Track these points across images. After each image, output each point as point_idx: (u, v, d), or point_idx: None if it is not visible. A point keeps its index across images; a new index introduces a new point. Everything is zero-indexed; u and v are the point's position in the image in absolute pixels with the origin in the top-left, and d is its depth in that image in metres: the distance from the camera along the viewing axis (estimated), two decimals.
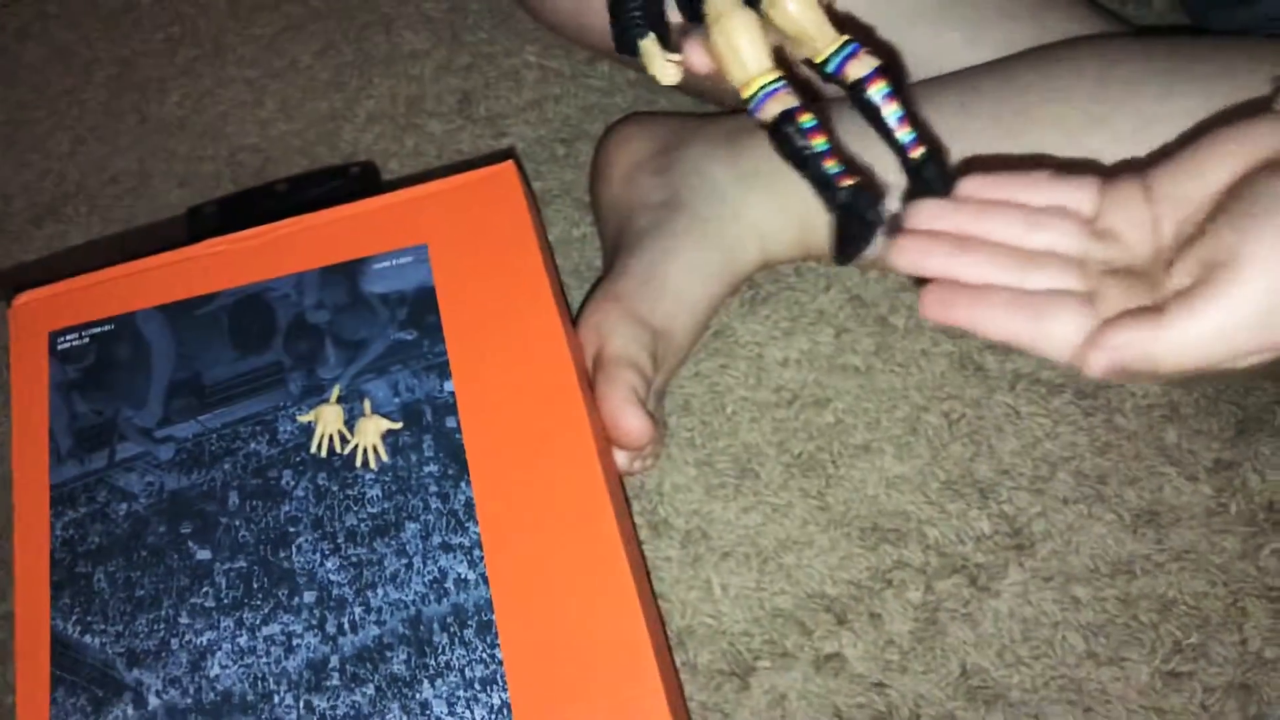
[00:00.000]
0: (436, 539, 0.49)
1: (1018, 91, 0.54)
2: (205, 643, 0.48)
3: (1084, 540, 0.54)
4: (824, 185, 0.45)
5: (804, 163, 0.45)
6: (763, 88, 0.46)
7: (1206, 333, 0.39)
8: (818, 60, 0.47)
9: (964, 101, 0.55)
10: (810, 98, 0.47)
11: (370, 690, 0.46)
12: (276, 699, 0.47)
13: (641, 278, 0.58)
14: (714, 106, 0.67)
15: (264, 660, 0.47)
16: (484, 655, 0.46)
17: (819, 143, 0.45)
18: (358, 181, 0.66)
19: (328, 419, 0.52)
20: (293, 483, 0.51)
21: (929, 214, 0.45)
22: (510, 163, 0.58)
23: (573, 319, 0.58)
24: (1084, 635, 0.52)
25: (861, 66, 0.46)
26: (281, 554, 0.50)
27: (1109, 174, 0.45)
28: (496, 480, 0.50)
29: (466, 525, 0.49)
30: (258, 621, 0.48)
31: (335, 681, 0.47)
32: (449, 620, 0.47)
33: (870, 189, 0.45)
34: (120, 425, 0.53)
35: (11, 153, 0.76)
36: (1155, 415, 0.57)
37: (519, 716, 0.45)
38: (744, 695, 0.53)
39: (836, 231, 0.46)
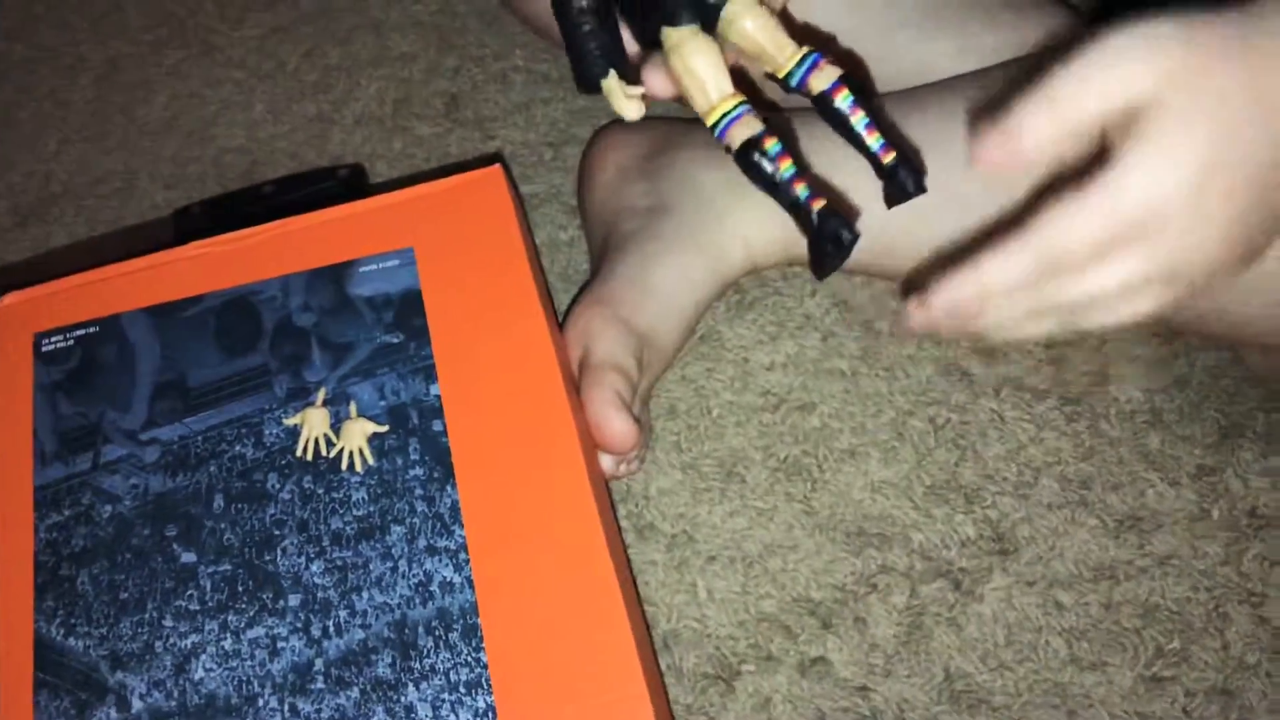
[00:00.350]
0: (422, 542, 0.49)
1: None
2: (190, 645, 0.48)
3: (1067, 545, 0.55)
4: (795, 209, 0.46)
5: (774, 188, 0.46)
6: (725, 115, 0.46)
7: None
8: (780, 75, 0.47)
9: (948, 114, 0.55)
10: (772, 109, 0.47)
11: (355, 694, 0.46)
12: (261, 702, 0.47)
13: (628, 282, 0.58)
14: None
15: (249, 663, 0.47)
16: (469, 659, 0.46)
17: (786, 167, 0.45)
18: (345, 184, 0.66)
19: (313, 422, 0.52)
20: (278, 486, 0.51)
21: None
22: (497, 166, 0.58)
23: (560, 322, 0.59)
24: (1067, 640, 0.53)
25: (824, 78, 0.46)
26: (266, 557, 0.50)
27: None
28: (482, 484, 0.50)
29: (452, 529, 0.49)
30: (242, 624, 0.48)
31: (320, 685, 0.47)
32: (434, 623, 0.47)
33: (841, 210, 0.46)
34: (105, 427, 0.53)
35: None
36: (1139, 421, 0.57)
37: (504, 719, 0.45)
38: (729, 699, 0.53)
39: (811, 251, 0.47)
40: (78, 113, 0.77)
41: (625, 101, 0.50)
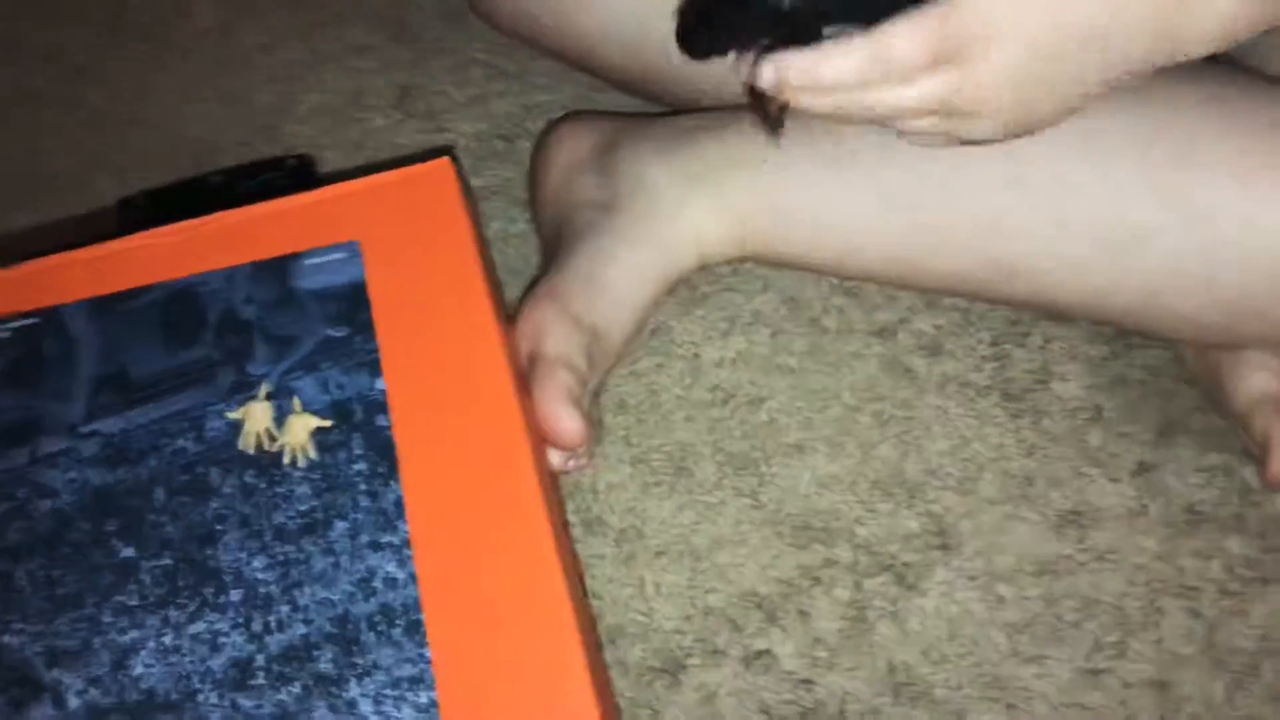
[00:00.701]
0: (365, 538, 0.49)
1: None
2: (129, 641, 0.48)
3: (1009, 540, 0.55)
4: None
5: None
6: None
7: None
8: None
9: (885, 142, 0.56)
10: None
11: (297, 689, 0.46)
12: (201, 698, 0.46)
13: (579, 277, 0.58)
14: (655, 107, 0.67)
15: (189, 659, 0.47)
16: (412, 654, 0.46)
17: None
18: (293, 175, 0.65)
19: (256, 416, 0.52)
20: (220, 480, 0.51)
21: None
22: (447, 159, 0.57)
23: (510, 316, 0.58)
24: (1008, 633, 0.53)
25: None
26: (208, 552, 0.49)
27: None
28: (427, 479, 0.50)
29: (396, 524, 0.49)
30: (183, 620, 0.48)
31: (261, 680, 0.47)
32: (377, 619, 0.47)
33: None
34: (43, 421, 0.52)
35: None
36: (1080, 418, 0.58)
37: (446, 715, 0.45)
38: (674, 692, 0.53)
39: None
40: (28, 100, 0.75)
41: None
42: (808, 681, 0.53)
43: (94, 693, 0.47)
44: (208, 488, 0.50)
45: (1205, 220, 0.49)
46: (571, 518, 0.58)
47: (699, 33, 0.48)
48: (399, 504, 0.49)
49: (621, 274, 0.59)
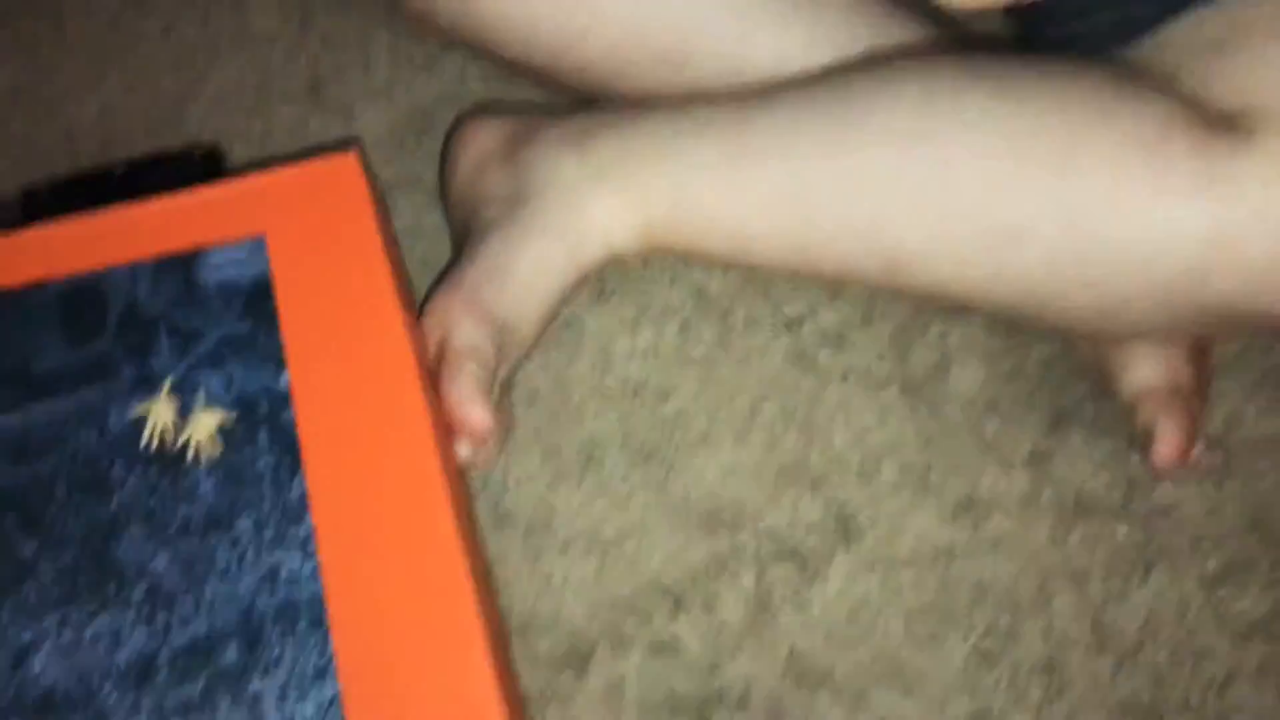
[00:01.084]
0: (269, 533, 0.49)
1: (846, 107, 0.56)
2: (28, 640, 0.47)
3: (908, 527, 0.57)
4: None
5: None
6: None
7: None
8: None
9: (796, 117, 0.57)
10: None
11: (200, 684, 0.46)
12: (103, 695, 0.46)
13: (487, 269, 0.59)
14: (565, 100, 0.68)
15: (90, 656, 0.47)
16: (315, 649, 0.47)
17: None
18: (200, 166, 0.64)
19: (160, 411, 0.51)
20: (123, 475, 0.50)
21: None
22: (353, 152, 0.57)
23: (421, 309, 0.59)
24: (905, 619, 0.55)
25: None
26: (111, 548, 0.49)
27: None
28: (332, 473, 0.50)
29: (300, 519, 0.49)
30: (84, 617, 0.48)
31: (164, 677, 0.46)
32: (281, 614, 0.47)
33: None
34: None
35: None
36: (977, 408, 0.60)
37: (350, 710, 0.45)
38: (581, 682, 0.54)
39: None
40: None
41: None
42: (713, 667, 0.54)
43: None
44: (110, 483, 0.50)
45: (1080, 221, 0.51)
46: (481, 512, 0.58)
47: None
48: (303, 499, 0.49)
49: (530, 265, 0.59)
